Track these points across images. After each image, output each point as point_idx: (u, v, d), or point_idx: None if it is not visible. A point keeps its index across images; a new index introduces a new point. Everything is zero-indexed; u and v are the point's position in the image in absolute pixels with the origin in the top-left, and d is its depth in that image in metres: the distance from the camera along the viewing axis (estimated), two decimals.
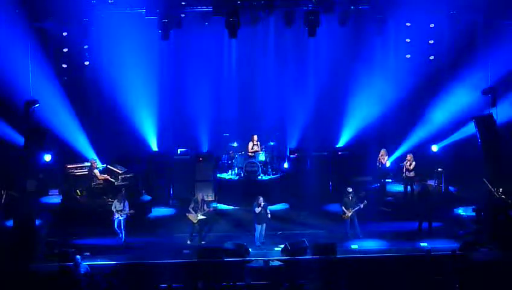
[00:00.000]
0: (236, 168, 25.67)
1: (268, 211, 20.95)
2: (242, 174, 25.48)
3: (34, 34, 23.75)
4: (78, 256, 18.49)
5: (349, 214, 21.35)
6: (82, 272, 18.19)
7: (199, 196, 21.59)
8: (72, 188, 24.15)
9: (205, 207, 21.38)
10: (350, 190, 21.62)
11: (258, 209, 20.87)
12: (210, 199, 24.20)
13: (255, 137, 26.02)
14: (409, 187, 24.42)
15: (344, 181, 24.52)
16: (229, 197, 24.89)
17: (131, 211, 21.22)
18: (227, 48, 26.32)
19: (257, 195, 21.10)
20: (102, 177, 24.10)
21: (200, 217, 21.21)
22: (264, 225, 21.03)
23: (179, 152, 25.78)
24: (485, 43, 24.37)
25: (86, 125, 25.46)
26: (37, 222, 21.43)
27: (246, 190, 24.38)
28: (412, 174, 24.13)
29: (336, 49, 26.25)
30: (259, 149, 25.85)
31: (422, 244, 20.59)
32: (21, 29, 23.15)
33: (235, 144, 26.15)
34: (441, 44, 25.70)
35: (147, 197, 24.29)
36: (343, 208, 21.44)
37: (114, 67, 25.48)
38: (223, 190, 25.19)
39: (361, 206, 21.38)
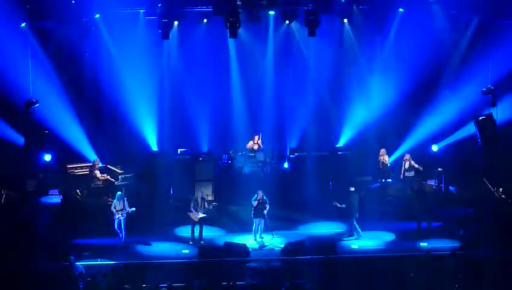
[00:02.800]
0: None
1: (267, 207, 21.03)
2: (242, 173, 25.52)
3: (34, 34, 23.75)
4: (72, 257, 18.48)
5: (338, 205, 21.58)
6: (76, 272, 18.18)
7: (198, 195, 21.72)
8: (72, 188, 24.13)
9: (206, 205, 21.45)
10: (352, 189, 21.68)
11: (255, 203, 21.05)
12: (210, 199, 24.22)
13: (256, 137, 26.03)
14: (408, 187, 24.41)
15: (344, 181, 24.61)
16: (229, 196, 24.87)
17: (132, 209, 21.19)
18: (227, 48, 26.30)
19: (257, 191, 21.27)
20: (103, 178, 24.10)
21: (201, 215, 21.27)
22: (262, 220, 21.09)
23: (179, 152, 25.77)
24: (485, 43, 24.35)
25: (86, 126, 25.43)
26: (37, 222, 21.43)
27: (246, 189, 24.34)
28: (410, 174, 24.13)
29: (336, 49, 26.27)
30: (260, 146, 25.81)
31: (422, 244, 20.60)
32: (21, 29, 23.15)
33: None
34: (441, 44, 25.68)
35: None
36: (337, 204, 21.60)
37: (114, 67, 25.50)
38: (224, 189, 25.19)
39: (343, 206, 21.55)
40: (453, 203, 23.70)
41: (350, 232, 21.54)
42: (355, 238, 21.36)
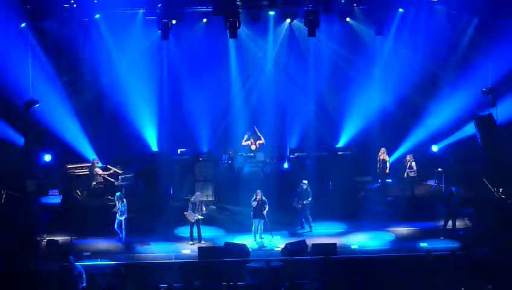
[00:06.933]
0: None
1: (266, 207, 21.05)
2: (242, 174, 25.55)
3: (34, 34, 23.75)
4: (71, 257, 18.50)
5: (299, 206, 21.92)
6: (76, 273, 18.19)
7: (197, 198, 21.63)
8: (72, 188, 24.13)
9: (203, 208, 21.44)
10: (305, 182, 21.99)
11: (254, 203, 21.08)
12: (210, 199, 24.22)
13: (250, 139, 26.03)
14: (409, 187, 24.41)
15: (344, 181, 24.69)
16: (229, 196, 24.86)
17: (123, 217, 21.12)
18: (227, 48, 26.29)
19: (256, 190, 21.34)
20: (106, 173, 24.03)
21: (198, 217, 21.27)
22: (262, 220, 21.13)
23: (179, 152, 25.77)
24: (485, 43, 24.36)
25: (86, 125, 25.44)
26: (37, 222, 21.44)
27: (246, 189, 24.34)
28: (412, 174, 24.12)
29: (336, 49, 26.28)
30: (262, 141, 25.73)
31: (422, 244, 20.61)
32: (21, 29, 23.15)
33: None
34: (441, 44, 25.69)
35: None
36: (296, 199, 21.99)
37: (114, 67, 25.51)
38: (224, 189, 25.18)
39: (308, 201, 21.94)
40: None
41: (303, 225, 22.06)
42: (309, 231, 21.89)
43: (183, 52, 26.25)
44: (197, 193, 22.28)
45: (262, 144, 25.84)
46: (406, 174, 24.25)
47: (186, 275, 18.82)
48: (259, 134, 25.80)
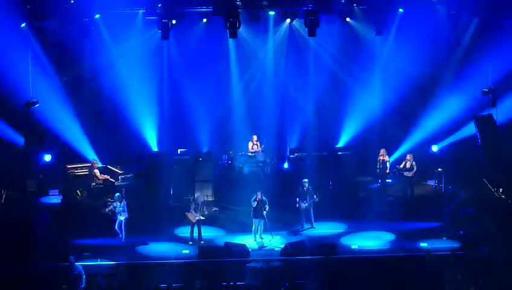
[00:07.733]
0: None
1: (266, 207, 21.06)
2: (242, 174, 25.55)
3: (34, 34, 23.75)
4: (71, 257, 18.50)
5: (305, 206, 21.88)
6: (76, 273, 18.18)
7: (200, 199, 21.66)
8: (72, 188, 24.14)
9: (204, 209, 21.43)
10: (306, 180, 22.09)
11: (254, 204, 21.11)
12: (210, 199, 24.23)
13: (255, 137, 26.08)
14: (408, 187, 24.41)
15: (344, 181, 24.68)
16: (229, 196, 24.87)
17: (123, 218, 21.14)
18: (227, 48, 26.30)
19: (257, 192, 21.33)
20: (103, 178, 24.10)
21: (200, 217, 21.27)
22: (262, 220, 21.14)
23: (179, 152, 25.77)
24: (485, 43, 24.35)
25: (86, 125, 25.45)
26: (37, 222, 21.43)
27: (246, 189, 24.35)
28: (410, 174, 24.13)
29: (336, 49, 26.28)
30: (259, 149, 25.89)
31: (422, 244, 20.60)
32: (21, 29, 23.15)
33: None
34: (441, 44, 25.69)
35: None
36: (297, 199, 22.02)
37: (114, 67, 25.51)
38: (224, 189, 25.18)
39: (316, 199, 22.03)
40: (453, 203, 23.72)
41: (303, 225, 22.16)
42: (310, 227, 22.16)
43: (183, 52, 26.25)
44: (200, 193, 22.31)
45: (258, 150, 25.94)
46: (398, 171, 24.18)
47: (186, 275, 18.84)
48: (258, 145, 25.88)
